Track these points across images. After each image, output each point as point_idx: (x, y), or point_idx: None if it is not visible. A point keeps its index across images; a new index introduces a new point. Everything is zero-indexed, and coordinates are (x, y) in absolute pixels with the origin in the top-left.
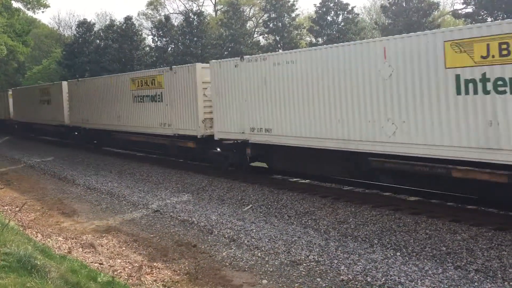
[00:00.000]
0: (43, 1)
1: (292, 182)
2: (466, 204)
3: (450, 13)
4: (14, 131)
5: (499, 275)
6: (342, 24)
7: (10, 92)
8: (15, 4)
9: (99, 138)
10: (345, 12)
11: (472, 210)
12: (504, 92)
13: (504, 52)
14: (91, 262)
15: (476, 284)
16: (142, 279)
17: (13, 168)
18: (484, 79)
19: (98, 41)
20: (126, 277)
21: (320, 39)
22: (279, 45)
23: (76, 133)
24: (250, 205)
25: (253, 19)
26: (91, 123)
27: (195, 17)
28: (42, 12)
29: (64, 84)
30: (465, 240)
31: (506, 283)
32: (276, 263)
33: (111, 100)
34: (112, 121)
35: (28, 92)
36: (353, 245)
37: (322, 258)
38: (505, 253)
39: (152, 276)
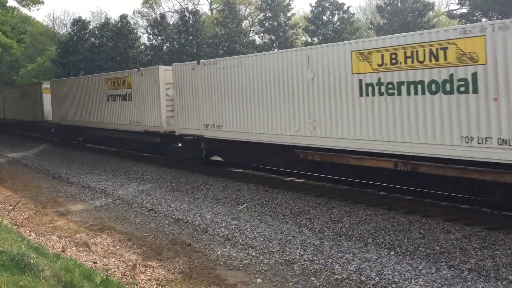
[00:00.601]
0: None
1: (287, 181)
2: (460, 203)
3: (445, 13)
4: (50, 137)
5: (492, 274)
6: (338, 24)
7: (46, 86)
8: (10, 2)
9: (250, 155)
10: (341, 12)
11: (466, 209)
12: None
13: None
14: (84, 261)
15: (469, 283)
16: (136, 278)
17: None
18: None
19: (93, 39)
20: (120, 276)
21: (315, 39)
22: (274, 45)
23: (179, 144)
24: (245, 204)
25: (248, 18)
26: (228, 130)
27: (190, 16)
28: (37, 9)
29: (162, 70)
30: (458, 240)
31: (499, 282)
32: (270, 262)
33: (290, 92)
34: (288, 128)
35: (81, 84)
36: (348, 244)
37: (317, 257)
38: (498, 252)
39: (146, 275)
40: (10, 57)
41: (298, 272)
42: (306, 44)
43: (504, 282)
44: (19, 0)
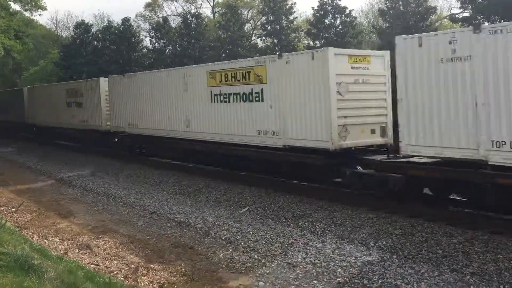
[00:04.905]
0: (40, 3)
1: (289, 184)
2: (462, 207)
3: (448, 17)
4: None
5: (495, 278)
6: (340, 27)
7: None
8: (13, 6)
9: None
10: (343, 16)
11: (468, 213)
12: None
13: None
14: (87, 263)
15: (472, 287)
16: (138, 280)
17: None
18: None
19: (95, 42)
20: (122, 278)
21: (317, 42)
22: (276, 48)
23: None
24: (247, 207)
25: (251, 21)
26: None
27: (193, 19)
28: (39, 15)
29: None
30: (461, 243)
31: (501, 286)
32: (272, 265)
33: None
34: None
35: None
36: (350, 248)
37: (319, 260)
38: (501, 256)
39: (148, 278)
40: (13, 60)
41: (300, 275)
42: (308, 47)
43: (506, 286)
44: (22, 4)
